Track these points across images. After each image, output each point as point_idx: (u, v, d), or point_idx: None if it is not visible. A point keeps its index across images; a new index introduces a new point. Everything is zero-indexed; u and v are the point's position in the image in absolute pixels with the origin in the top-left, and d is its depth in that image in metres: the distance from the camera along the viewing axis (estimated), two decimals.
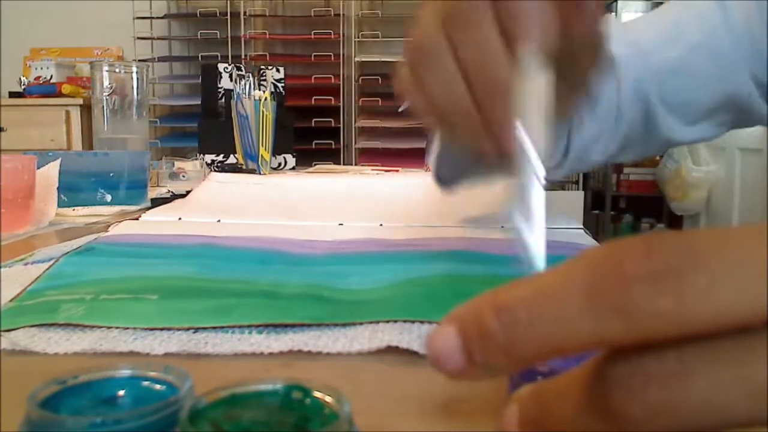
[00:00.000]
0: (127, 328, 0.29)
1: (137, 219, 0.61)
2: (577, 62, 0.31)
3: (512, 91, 0.27)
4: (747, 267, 0.12)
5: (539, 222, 0.23)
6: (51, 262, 0.41)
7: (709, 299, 0.12)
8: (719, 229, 0.13)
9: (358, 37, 2.85)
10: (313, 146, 2.71)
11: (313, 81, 2.78)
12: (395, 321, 0.30)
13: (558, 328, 0.14)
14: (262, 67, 1.37)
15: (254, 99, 1.06)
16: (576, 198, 2.86)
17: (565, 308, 0.14)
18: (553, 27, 0.27)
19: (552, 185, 3.03)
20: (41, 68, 2.89)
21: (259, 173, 1.04)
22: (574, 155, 0.56)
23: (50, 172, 0.64)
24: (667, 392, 0.13)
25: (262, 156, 1.06)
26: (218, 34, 2.85)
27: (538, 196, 0.24)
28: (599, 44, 0.31)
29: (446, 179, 0.52)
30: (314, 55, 2.82)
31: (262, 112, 1.06)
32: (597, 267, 0.13)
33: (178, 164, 1.05)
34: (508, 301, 0.14)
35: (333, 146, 2.78)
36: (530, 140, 0.25)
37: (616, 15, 3.30)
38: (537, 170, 0.24)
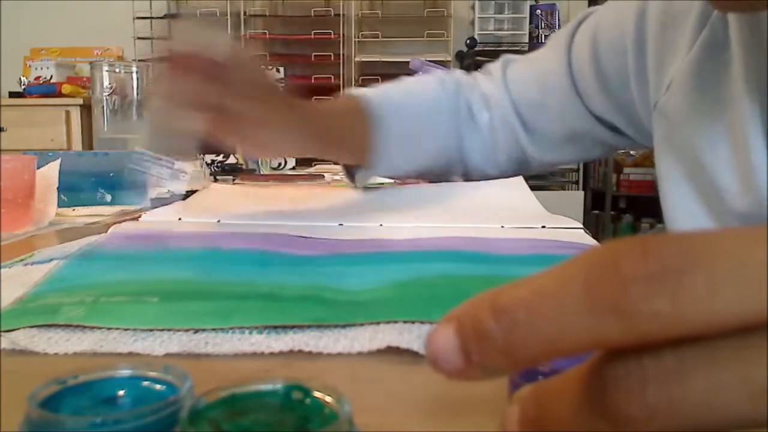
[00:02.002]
0: (127, 329, 0.29)
1: (137, 219, 0.61)
2: None
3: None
4: (746, 268, 0.12)
5: None
6: (51, 263, 0.41)
7: (707, 301, 0.12)
8: (718, 230, 0.13)
9: (358, 37, 2.85)
10: None
11: (313, 81, 2.78)
12: (395, 321, 0.30)
13: (556, 329, 0.14)
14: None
15: None
16: (576, 198, 2.86)
17: (563, 309, 0.14)
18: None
19: (551, 185, 3.03)
20: (41, 68, 2.89)
21: (259, 173, 1.04)
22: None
23: (50, 172, 0.64)
24: (665, 392, 0.13)
25: None
26: None
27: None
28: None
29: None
30: (314, 55, 2.82)
31: None
32: (594, 268, 0.13)
33: (178, 164, 1.04)
34: (507, 302, 0.14)
35: None
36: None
37: None
38: None
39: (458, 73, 0.76)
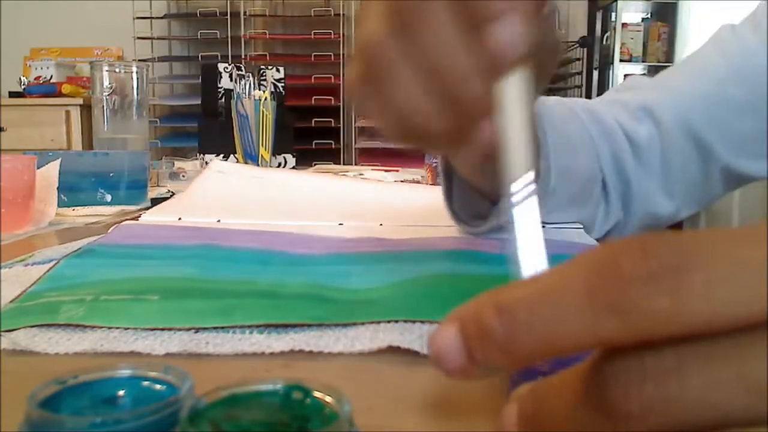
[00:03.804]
0: (128, 329, 0.29)
1: (137, 219, 0.61)
2: (537, 67, 0.26)
3: (490, 97, 0.24)
4: (745, 267, 0.13)
5: (530, 231, 0.22)
6: (51, 263, 0.41)
7: (706, 299, 0.12)
8: (717, 230, 0.13)
9: None
10: (313, 146, 2.71)
11: (313, 81, 2.78)
12: (396, 321, 0.30)
13: (557, 327, 0.14)
14: (262, 67, 1.37)
15: (254, 99, 1.06)
16: None
17: (564, 308, 0.14)
18: (530, 25, 0.23)
19: None
20: (41, 68, 2.90)
21: None
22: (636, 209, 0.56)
23: (50, 172, 0.64)
24: (664, 389, 0.13)
25: (262, 156, 1.06)
26: (218, 34, 2.86)
27: (526, 206, 0.22)
28: (556, 48, 0.28)
29: (463, 217, 0.50)
30: (314, 55, 2.82)
31: (262, 112, 1.06)
32: (595, 267, 0.14)
33: (178, 164, 1.05)
34: (509, 301, 0.15)
35: (333, 146, 2.78)
36: (514, 148, 0.23)
37: (615, 15, 3.30)
38: (519, 175, 0.22)
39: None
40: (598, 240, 0.56)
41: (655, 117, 0.56)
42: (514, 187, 0.21)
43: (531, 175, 0.22)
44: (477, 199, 0.49)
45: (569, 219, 0.54)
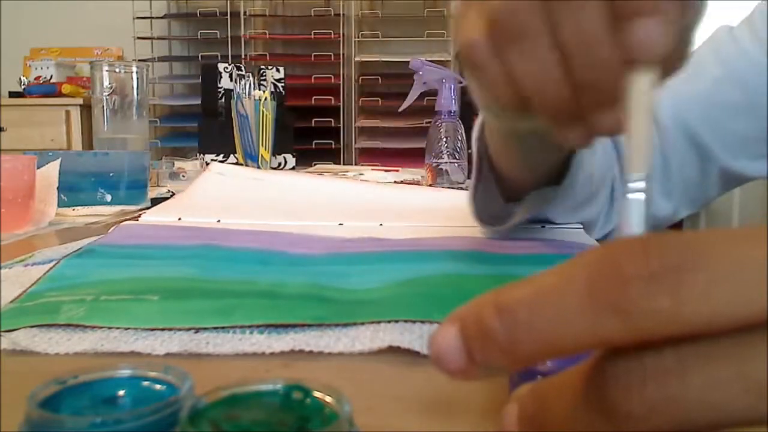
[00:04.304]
0: (128, 329, 0.29)
1: (137, 219, 0.61)
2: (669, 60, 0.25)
3: (619, 85, 0.23)
4: (746, 268, 0.13)
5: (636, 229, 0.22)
6: (51, 263, 0.41)
7: (707, 299, 0.12)
8: (718, 230, 0.13)
9: (358, 37, 2.85)
10: (313, 146, 2.71)
11: (313, 81, 2.78)
12: (396, 321, 0.30)
13: (558, 328, 0.14)
14: (262, 67, 1.37)
15: (254, 99, 1.06)
16: None
17: (565, 308, 0.14)
18: (676, 18, 0.23)
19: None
20: (41, 68, 2.89)
21: None
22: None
23: (50, 172, 0.64)
24: (665, 389, 0.13)
25: (262, 156, 1.06)
26: (218, 34, 2.85)
27: (639, 206, 0.22)
28: (685, 53, 0.27)
29: (487, 220, 0.50)
30: (314, 55, 2.82)
31: (262, 112, 1.06)
32: (596, 267, 0.14)
33: (178, 164, 1.05)
34: (509, 302, 0.15)
35: (333, 146, 2.78)
36: (639, 141, 0.23)
37: None
38: (638, 169, 0.22)
39: None
40: (598, 240, 0.55)
41: (654, 117, 0.56)
42: (631, 178, 0.21)
43: (646, 173, 0.22)
44: (497, 198, 0.49)
45: (579, 219, 0.54)
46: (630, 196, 0.21)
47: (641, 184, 0.21)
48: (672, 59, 0.26)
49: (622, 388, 0.13)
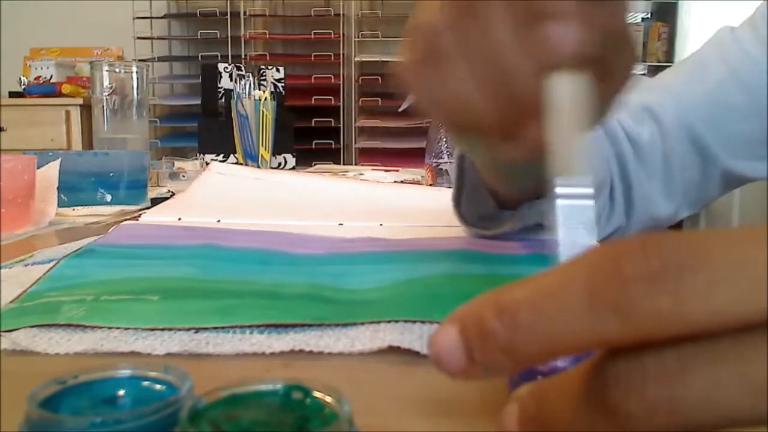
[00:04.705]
0: (128, 329, 0.29)
1: (137, 219, 0.61)
2: (605, 64, 0.26)
3: (541, 95, 0.24)
4: (746, 268, 0.13)
5: (571, 233, 0.22)
6: (51, 263, 0.41)
7: (707, 299, 0.12)
8: (718, 230, 0.13)
9: (358, 37, 2.85)
10: (313, 146, 2.71)
11: (313, 81, 2.78)
12: (396, 321, 0.30)
13: (558, 328, 0.14)
14: (262, 67, 1.37)
15: (254, 99, 1.06)
16: None
17: (565, 309, 0.14)
18: (595, 20, 0.23)
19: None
20: (41, 68, 2.89)
21: None
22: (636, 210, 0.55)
23: (50, 172, 0.64)
24: (665, 389, 0.13)
25: (262, 156, 1.06)
26: (218, 34, 2.85)
27: (578, 212, 0.22)
28: (628, 44, 0.27)
29: (470, 219, 0.50)
30: (314, 55, 2.82)
31: (262, 112, 1.06)
32: (596, 267, 0.14)
33: (178, 164, 1.05)
34: (509, 302, 0.14)
35: (333, 146, 2.78)
36: (560, 146, 0.23)
37: None
38: (562, 174, 0.22)
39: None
40: (598, 241, 0.56)
41: (656, 118, 0.56)
42: (557, 183, 0.21)
43: (580, 177, 0.21)
44: (487, 200, 0.49)
45: None
46: (559, 201, 0.21)
47: (569, 189, 0.21)
48: (610, 60, 0.26)
49: (622, 388, 0.13)
